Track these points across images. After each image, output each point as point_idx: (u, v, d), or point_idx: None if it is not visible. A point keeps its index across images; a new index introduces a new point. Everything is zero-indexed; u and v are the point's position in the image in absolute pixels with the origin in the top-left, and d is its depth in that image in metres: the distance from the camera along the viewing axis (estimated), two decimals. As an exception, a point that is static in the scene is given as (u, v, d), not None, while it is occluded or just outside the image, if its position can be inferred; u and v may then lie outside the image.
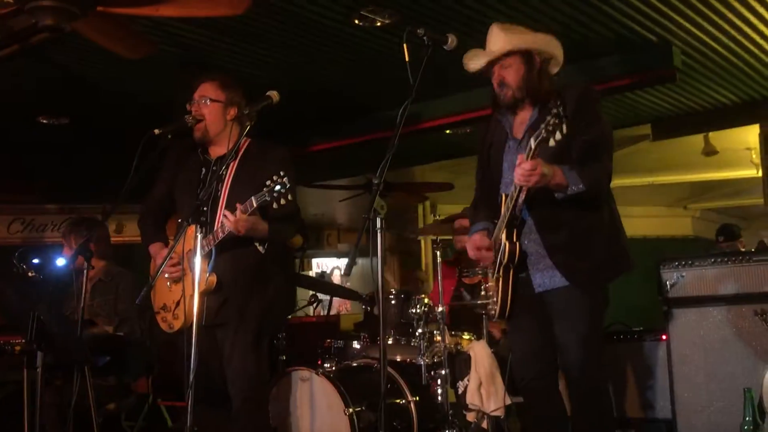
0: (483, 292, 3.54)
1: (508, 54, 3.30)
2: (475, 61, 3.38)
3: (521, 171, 2.98)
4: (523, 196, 3.14)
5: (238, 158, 3.72)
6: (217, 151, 3.81)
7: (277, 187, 3.24)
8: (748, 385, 3.49)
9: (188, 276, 3.55)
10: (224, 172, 3.67)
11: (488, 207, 3.47)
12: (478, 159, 3.58)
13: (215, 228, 3.59)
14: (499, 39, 3.33)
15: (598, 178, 3.16)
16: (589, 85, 3.46)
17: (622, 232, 3.37)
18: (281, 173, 3.26)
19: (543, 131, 2.87)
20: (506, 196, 3.25)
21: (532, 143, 2.94)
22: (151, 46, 4.40)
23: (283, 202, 3.27)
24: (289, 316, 4.95)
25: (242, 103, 3.80)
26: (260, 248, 3.66)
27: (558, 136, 2.86)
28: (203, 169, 3.81)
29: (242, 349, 3.66)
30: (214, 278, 3.61)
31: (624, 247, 3.34)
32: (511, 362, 3.61)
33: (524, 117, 3.35)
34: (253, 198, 3.34)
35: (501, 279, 3.30)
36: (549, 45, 3.37)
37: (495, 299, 3.36)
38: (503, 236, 3.23)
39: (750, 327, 4.30)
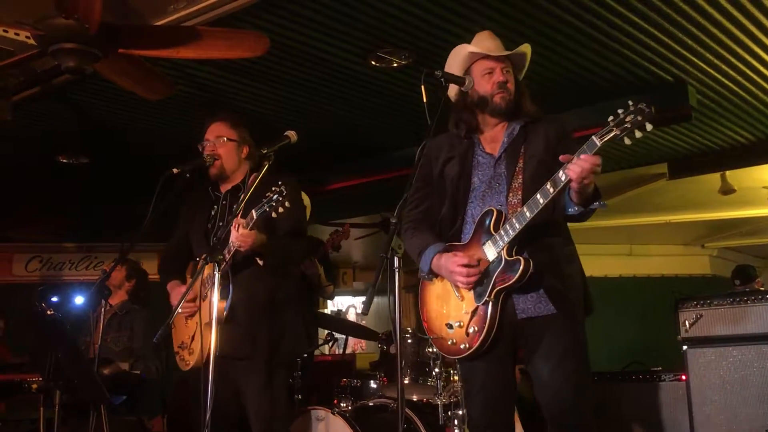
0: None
1: (510, 59, 3.15)
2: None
3: (585, 164, 2.68)
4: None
5: (250, 192, 3.77)
6: (228, 187, 3.90)
7: (275, 197, 3.28)
8: (769, 426, 3.46)
9: (203, 307, 3.58)
10: (236, 207, 3.71)
11: (432, 228, 3.21)
12: (422, 178, 3.17)
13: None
14: (498, 44, 3.15)
15: None
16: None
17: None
18: (279, 183, 3.29)
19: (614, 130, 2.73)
20: (497, 211, 2.96)
21: (616, 129, 2.73)
22: (170, 87, 4.46)
23: (281, 210, 3.29)
24: (307, 354, 4.92)
25: (251, 141, 3.90)
26: (260, 261, 3.65)
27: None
28: (215, 207, 3.88)
29: (256, 386, 3.65)
30: (223, 303, 3.61)
31: (588, 285, 3.10)
32: (467, 409, 3.24)
33: (496, 133, 3.14)
34: (253, 211, 3.38)
35: (491, 305, 2.93)
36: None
37: (472, 330, 2.97)
38: (504, 252, 2.90)
39: (770, 367, 4.27)
